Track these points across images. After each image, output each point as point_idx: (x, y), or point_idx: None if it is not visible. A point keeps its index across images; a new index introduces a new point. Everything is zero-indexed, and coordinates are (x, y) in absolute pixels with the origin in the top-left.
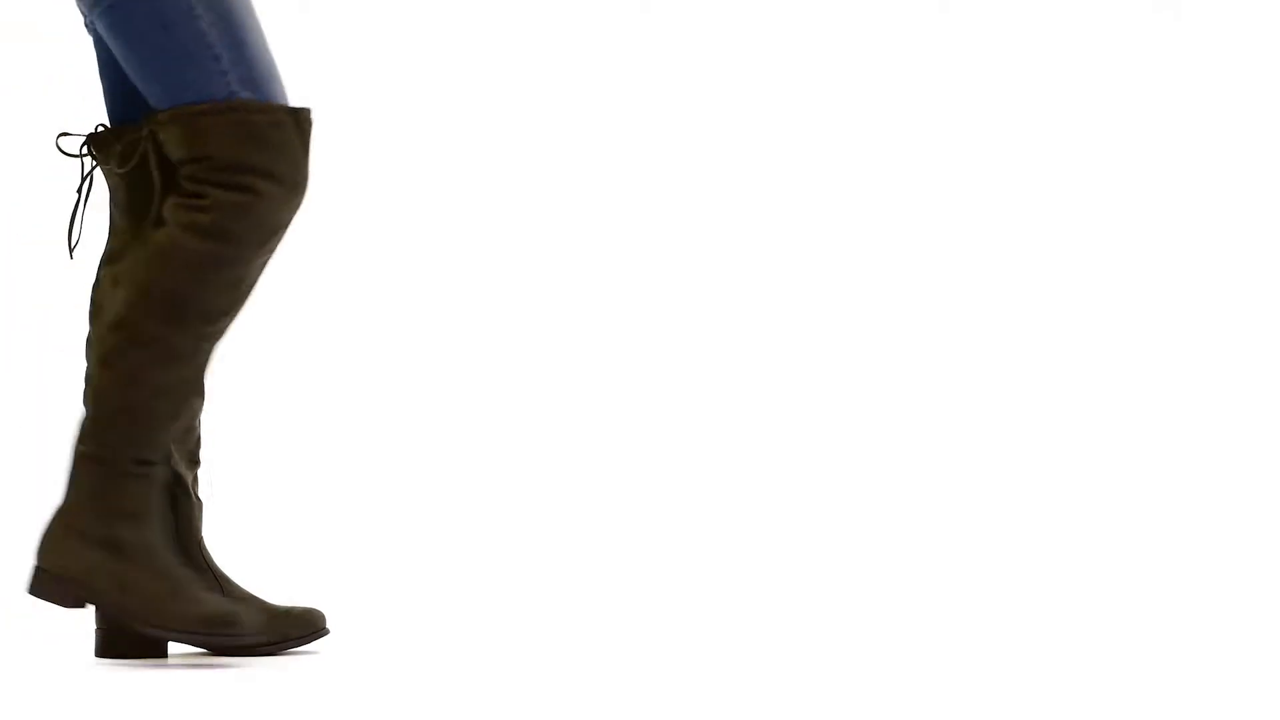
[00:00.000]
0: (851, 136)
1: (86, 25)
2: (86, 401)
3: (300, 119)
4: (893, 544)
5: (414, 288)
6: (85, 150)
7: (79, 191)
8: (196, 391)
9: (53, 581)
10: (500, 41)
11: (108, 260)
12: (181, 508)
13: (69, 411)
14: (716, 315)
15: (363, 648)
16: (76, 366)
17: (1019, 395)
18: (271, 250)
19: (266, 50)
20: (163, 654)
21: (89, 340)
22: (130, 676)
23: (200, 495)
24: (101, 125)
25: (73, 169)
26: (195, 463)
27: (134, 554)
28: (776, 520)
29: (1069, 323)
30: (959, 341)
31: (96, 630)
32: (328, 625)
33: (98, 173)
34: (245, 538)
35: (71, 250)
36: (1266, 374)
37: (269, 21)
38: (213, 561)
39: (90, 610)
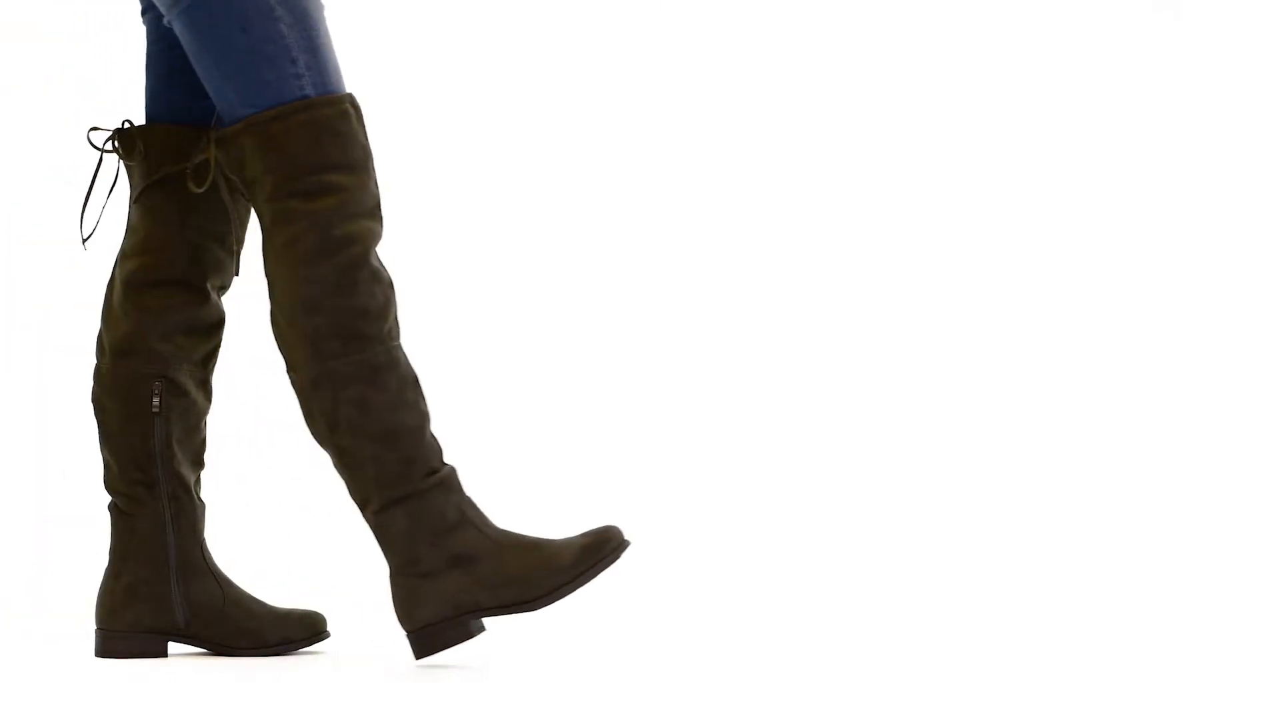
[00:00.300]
0: (852, 137)
1: (142, 15)
2: (341, 466)
3: (356, 103)
4: (893, 544)
5: (414, 287)
6: (111, 146)
7: (92, 183)
8: (416, 384)
9: (437, 632)
10: (501, 41)
11: (122, 258)
12: (185, 509)
13: (69, 411)
14: (716, 315)
15: (362, 648)
16: (76, 366)
17: (1019, 394)
18: (379, 230)
19: (332, 44)
20: (162, 653)
21: (101, 372)
22: (129, 677)
23: (202, 497)
24: (128, 121)
25: (79, 165)
26: (199, 464)
27: (478, 555)
28: (778, 520)
29: (1069, 322)
30: (959, 341)
31: (96, 631)
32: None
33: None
34: (246, 539)
35: (85, 241)
36: (1266, 374)
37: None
38: (214, 563)
39: (91, 612)
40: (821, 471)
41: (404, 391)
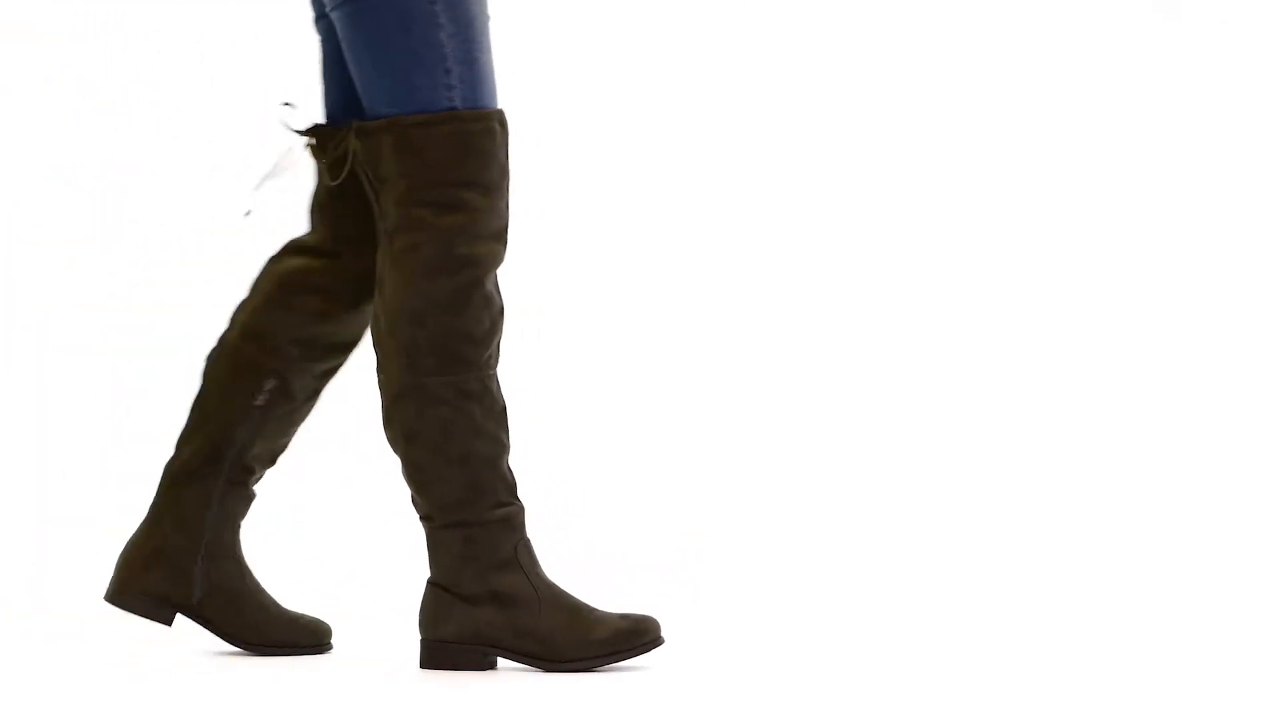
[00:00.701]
0: (852, 137)
1: (315, 22)
2: (409, 478)
3: (504, 120)
4: (894, 544)
5: None
6: (308, 143)
7: (275, 167)
8: (503, 416)
9: (455, 652)
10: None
11: (296, 249)
12: (235, 495)
13: (69, 411)
14: (715, 315)
15: (364, 651)
16: (77, 366)
17: (1019, 394)
18: (502, 255)
19: (492, 59)
20: (168, 621)
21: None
22: (130, 678)
23: (256, 490)
24: (318, 124)
25: (78, 165)
26: (271, 463)
27: (518, 599)
28: (780, 520)
29: (1070, 324)
30: (959, 341)
31: (113, 578)
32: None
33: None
34: (271, 538)
35: (246, 214)
36: (1267, 374)
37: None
38: (241, 552)
39: (94, 612)
40: (818, 470)
41: (488, 421)
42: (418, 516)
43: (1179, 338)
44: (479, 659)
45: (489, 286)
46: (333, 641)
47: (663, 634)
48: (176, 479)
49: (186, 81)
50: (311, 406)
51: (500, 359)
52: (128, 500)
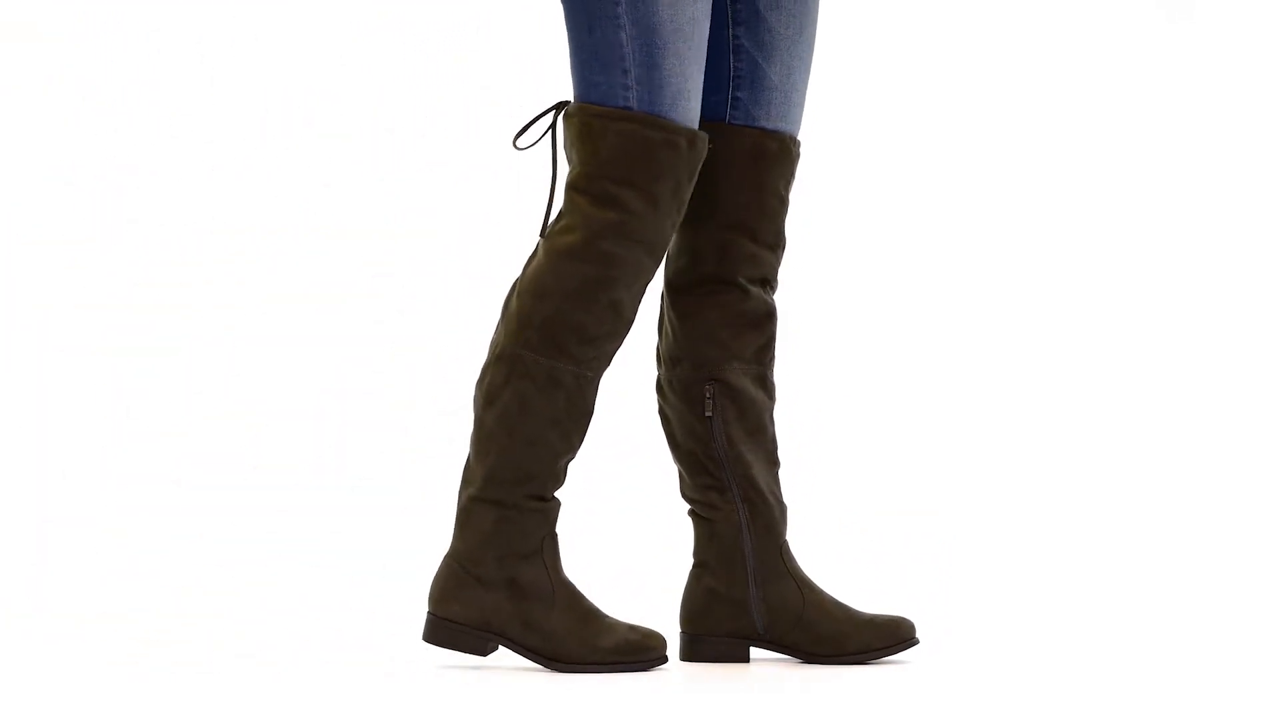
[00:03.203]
0: (853, 138)
1: None
2: (474, 439)
3: (696, 143)
4: (895, 543)
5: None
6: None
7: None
8: (584, 419)
9: (456, 631)
10: (498, 41)
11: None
12: (759, 511)
13: (69, 412)
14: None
15: (364, 651)
16: (77, 366)
17: (1022, 394)
18: (648, 271)
19: (688, 71)
20: (744, 658)
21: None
22: (128, 677)
23: (782, 497)
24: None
25: (79, 165)
26: (774, 463)
27: (533, 592)
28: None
29: (1070, 325)
30: (959, 342)
31: (680, 635)
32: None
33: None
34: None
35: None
36: (1267, 374)
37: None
38: (796, 567)
39: (85, 611)
40: (815, 470)
41: (568, 417)
42: (461, 482)
43: (1187, 342)
44: (480, 644)
45: (622, 294)
46: (917, 636)
47: (667, 652)
48: (701, 520)
49: None
50: (770, 394)
51: (610, 368)
52: (128, 500)
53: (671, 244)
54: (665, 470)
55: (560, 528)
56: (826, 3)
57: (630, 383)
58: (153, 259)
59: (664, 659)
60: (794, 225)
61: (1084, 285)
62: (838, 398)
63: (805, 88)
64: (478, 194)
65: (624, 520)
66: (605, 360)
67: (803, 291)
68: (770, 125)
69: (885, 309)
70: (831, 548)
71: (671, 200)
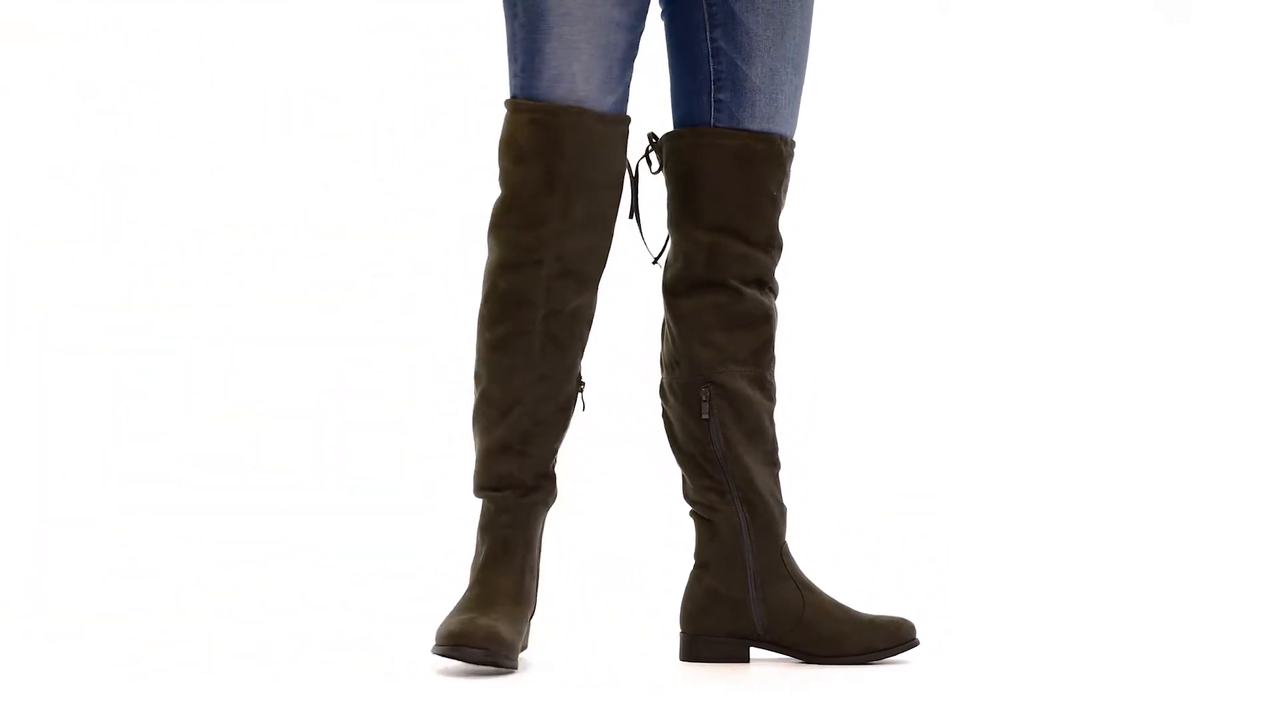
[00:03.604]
0: (851, 139)
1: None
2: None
3: (584, 120)
4: (899, 543)
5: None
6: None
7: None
8: (503, 406)
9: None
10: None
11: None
12: (759, 513)
13: (69, 412)
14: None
15: (364, 650)
16: (77, 366)
17: (1021, 395)
18: (540, 254)
19: (576, 55)
20: (743, 658)
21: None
22: (128, 677)
23: (783, 499)
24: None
25: (79, 165)
26: (773, 464)
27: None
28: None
29: (1068, 326)
30: (958, 342)
31: (680, 635)
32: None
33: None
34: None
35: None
36: (1266, 373)
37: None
38: (796, 568)
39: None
40: (816, 470)
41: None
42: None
43: (1207, 343)
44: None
45: (517, 283)
46: (918, 637)
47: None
48: (703, 521)
49: None
50: (770, 394)
51: (610, 371)
52: (128, 500)
53: (669, 248)
54: (665, 471)
55: (560, 528)
56: (827, 4)
57: (631, 385)
58: (153, 259)
59: (496, 667)
60: (793, 226)
61: (1081, 285)
62: (836, 398)
63: (796, 88)
64: (478, 194)
65: (625, 521)
66: (508, 348)
67: (802, 292)
68: (756, 126)
69: (884, 310)
70: (831, 548)
71: (543, 179)
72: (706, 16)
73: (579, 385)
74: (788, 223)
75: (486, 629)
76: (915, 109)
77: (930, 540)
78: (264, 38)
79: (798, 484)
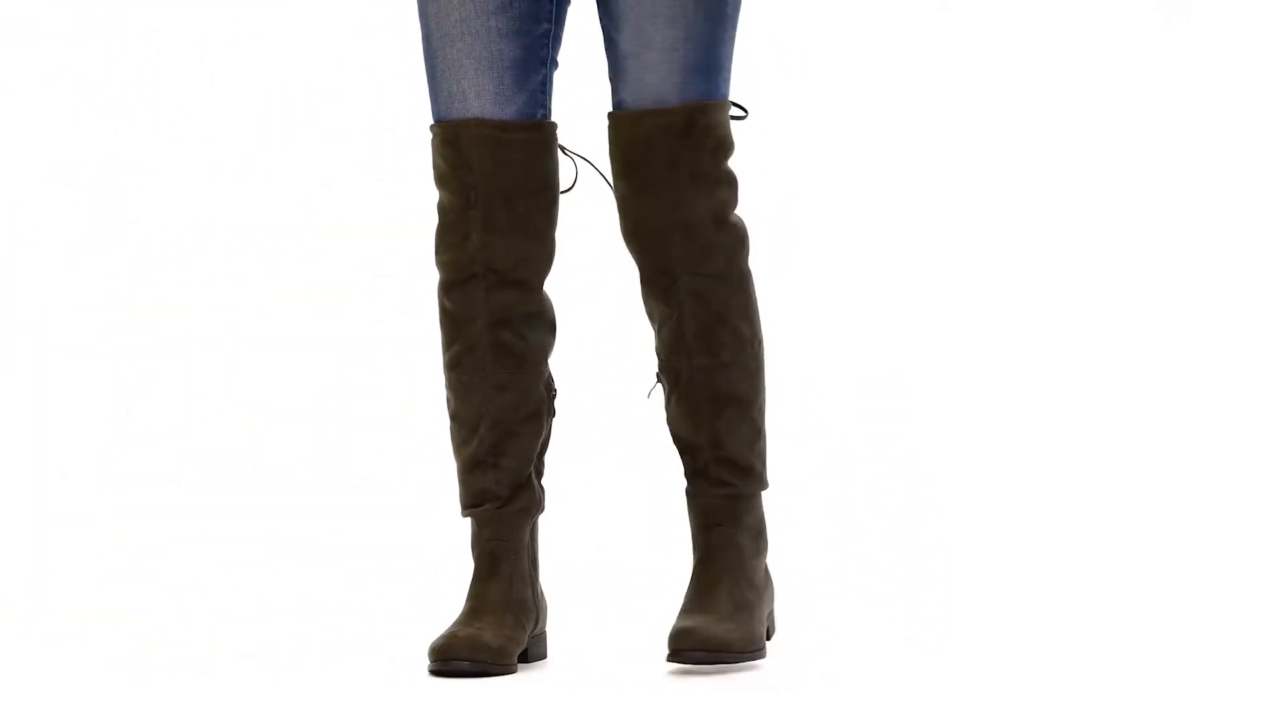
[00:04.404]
0: (849, 139)
1: None
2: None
3: (447, 135)
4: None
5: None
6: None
7: None
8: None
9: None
10: None
11: None
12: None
13: (69, 411)
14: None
15: (364, 650)
16: (77, 366)
17: (1022, 396)
18: (472, 269)
19: (463, 74)
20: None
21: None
22: (128, 677)
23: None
24: None
25: (79, 165)
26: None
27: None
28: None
29: (1066, 327)
30: (958, 343)
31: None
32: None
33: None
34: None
35: None
36: (1264, 372)
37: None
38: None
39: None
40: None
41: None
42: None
43: (1204, 342)
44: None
45: (453, 299)
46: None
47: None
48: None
49: None
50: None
51: (607, 372)
52: (128, 500)
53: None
54: (662, 471)
55: (550, 527)
56: (827, 3)
57: (617, 387)
58: (153, 259)
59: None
60: (791, 216)
61: (1078, 286)
62: (833, 399)
63: (677, 45)
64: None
65: (616, 522)
66: (462, 371)
67: (796, 282)
68: (631, 99)
69: (883, 309)
70: (830, 548)
71: (444, 189)
72: (598, 7)
73: (548, 392)
74: (791, 212)
75: (469, 639)
76: (913, 106)
77: (929, 539)
78: (264, 38)
79: (797, 484)
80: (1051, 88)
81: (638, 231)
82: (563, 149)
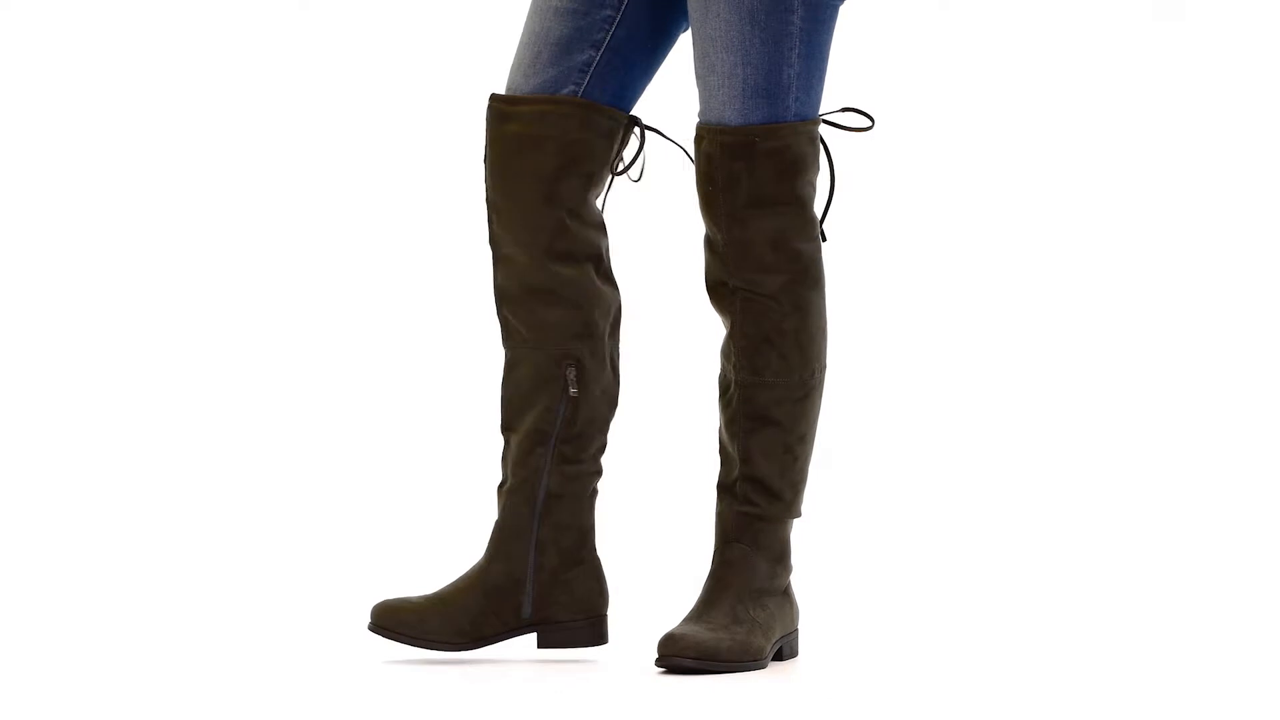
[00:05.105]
0: (854, 139)
1: None
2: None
3: (499, 106)
4: (899, 544)
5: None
6: None
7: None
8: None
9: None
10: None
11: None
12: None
13: (69, 411)
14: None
15: (364, 650)
16: (77, 366)
17: (1022, 397)
18: (512, 233)
19: (525, 45)
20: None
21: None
22: (129, 677)
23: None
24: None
25: (79, 165)
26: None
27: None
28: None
29: (1064, 328)
30: (958, 343)
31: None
32: None
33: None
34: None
35: None
36: (1264, 372)
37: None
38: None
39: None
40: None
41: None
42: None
43: (1202, 342)
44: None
45: (499, 271)
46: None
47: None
48: None
49: None
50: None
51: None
52: (128, 500)
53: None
54: (660, 472)
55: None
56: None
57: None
58: (153, 259)
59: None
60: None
61: (1075, 285)
62: (835, 400)
63: (735, 70)
64: (479, 194)
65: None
66: (519, 335)
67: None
68: (704, 119)
69: (882, 311)
70: (830, 549)
71: (508, 166)
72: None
73: (564, 367)
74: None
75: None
76: (912, 105)
77: (929, 540)
78: (264, 38)
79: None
80: (1051, 87)
81: (705, 238)
82: (650, 128)
